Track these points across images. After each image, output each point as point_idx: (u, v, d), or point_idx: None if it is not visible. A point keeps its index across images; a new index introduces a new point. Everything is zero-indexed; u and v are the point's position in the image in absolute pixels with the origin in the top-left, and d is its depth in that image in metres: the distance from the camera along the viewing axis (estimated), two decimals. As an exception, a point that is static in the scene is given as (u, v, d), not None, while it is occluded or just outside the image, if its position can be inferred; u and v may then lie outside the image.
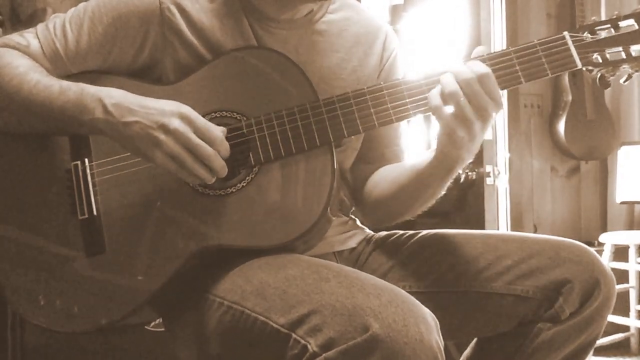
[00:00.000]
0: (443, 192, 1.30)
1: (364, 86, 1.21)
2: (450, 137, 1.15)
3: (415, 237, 1.35)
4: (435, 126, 1.18)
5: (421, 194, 1.30)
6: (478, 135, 1.15)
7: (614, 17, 1.19)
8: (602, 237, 3.43)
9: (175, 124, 1.11)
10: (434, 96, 1.13)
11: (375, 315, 0.94)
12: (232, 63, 1.23)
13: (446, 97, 1.12)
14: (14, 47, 1.24)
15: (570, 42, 1.17)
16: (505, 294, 1.23)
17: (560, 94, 3.76)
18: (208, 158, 1.12)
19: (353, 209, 1.44)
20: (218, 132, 1.13)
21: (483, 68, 1.13)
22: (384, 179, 1.37)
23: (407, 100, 1.18)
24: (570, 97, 3.72)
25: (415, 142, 3.24)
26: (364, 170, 1.41)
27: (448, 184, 1.27)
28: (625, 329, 3.45)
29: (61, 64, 1.24)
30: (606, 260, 3.33)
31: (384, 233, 1.42)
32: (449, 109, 1.13)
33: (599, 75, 1.22)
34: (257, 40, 1.28)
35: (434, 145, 1.21)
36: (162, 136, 1.11)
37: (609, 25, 1.18)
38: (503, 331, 1.25)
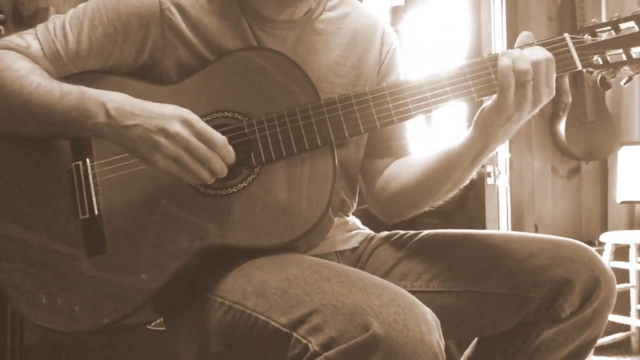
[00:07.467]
0: (467, 181, 1.30)
1: (364, 82, 1.20)
2: (499, 113, 1.16)
3: (416, 237, 1.36)
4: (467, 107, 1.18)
5: (448, 178, 1.28)
6: (521, 120, 1.17)
7: (615, 19, 1.19)
8: (603, 237, 3.43)
9: (176, 127, 1.11)
10: (509, 74, 1.13)
11: (376, 315, 0.94)
12: (233, 63, 1.23)
13: (517, 73, 1.13)
14: (13, 49, 1.23)
15: (570, 44, 1.17)
16: (506, 293, 1.23)
17: (561, 95, 3.76)
18: (208, 160, 1.12)
19: (354, 209, 1.44)
20: (219, 135, 1.13)
21: (548, 53, 1.15)
22: (405, 168, 1.36)
23: (409, 100, 1.18)
24: (570, 99, 3.72)
25: (414, 143, 3.24)
26: (374, 165, 1.40)
27: (475, 170, 1.27)
28: (626, 328, 3.45)
29: (62, 65, 1.24)
30: (607, 259, 3.33)
31: (385, 233, 1.42)
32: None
33: (599, 77, 1.22)
34: (256, 40, 1.28)
35: (470, 124, 1.21)
36: (162, 140, 1.11)
37: (609, 27, 1.18)
38: (504, 330, 1.25)
